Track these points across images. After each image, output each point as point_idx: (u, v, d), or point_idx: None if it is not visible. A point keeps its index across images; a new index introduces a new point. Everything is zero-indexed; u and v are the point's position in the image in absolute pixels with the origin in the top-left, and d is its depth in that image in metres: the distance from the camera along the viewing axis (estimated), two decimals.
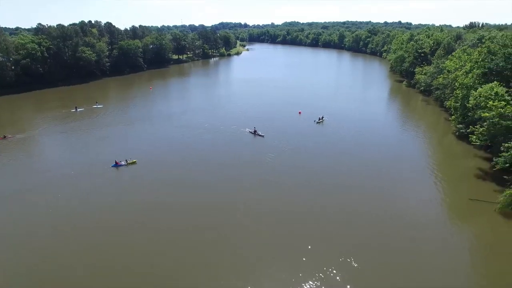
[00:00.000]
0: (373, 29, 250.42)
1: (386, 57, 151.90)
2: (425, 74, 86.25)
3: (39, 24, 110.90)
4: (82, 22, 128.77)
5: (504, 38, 48.57)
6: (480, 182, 38.93)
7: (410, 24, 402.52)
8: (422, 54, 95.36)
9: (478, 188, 37.53)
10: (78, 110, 72.85)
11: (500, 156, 35.07)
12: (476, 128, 41.02)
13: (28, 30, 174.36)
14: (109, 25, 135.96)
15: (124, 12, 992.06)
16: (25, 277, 25.07)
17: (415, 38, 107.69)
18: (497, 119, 36.93)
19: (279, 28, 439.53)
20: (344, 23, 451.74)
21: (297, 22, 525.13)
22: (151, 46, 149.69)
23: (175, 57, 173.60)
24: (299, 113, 69.14)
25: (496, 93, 38.28)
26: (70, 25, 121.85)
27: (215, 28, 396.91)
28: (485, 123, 39.65)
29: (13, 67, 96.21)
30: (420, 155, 49.28)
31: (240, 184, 39.07)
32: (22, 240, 29.29)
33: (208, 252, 27.41)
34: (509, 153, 33.30)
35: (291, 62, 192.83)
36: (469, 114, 45.34)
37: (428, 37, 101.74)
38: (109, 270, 25.71)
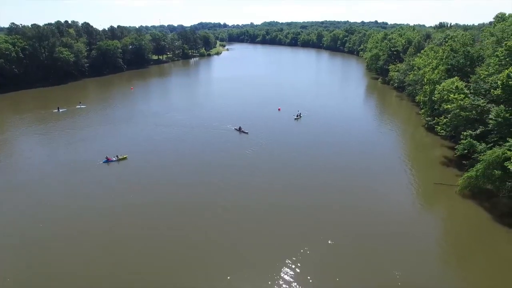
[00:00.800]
0: (350, 28, 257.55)
1: (362, 56, 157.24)
2: (398, 71, 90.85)
3: (12, 23, 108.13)
4: (58, 22, 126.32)
5: (464, 38, 52.74)
6: (445, 168, 42.54)
7: (386, 23, 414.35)
8: (395, 52, 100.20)
9: (442, 173, 41.05)
10: (61, 110, 72.22)
11: (460, 144, 38.66)
12: (441, 119, 44.66)
13: None
14: (86, 25, 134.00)
15: (100, 13, 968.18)
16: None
17: (389, 37, 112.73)
18: (458, 110, 40.54)
19: (259, 28, 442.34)
20: (322, 22, 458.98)
21: (276, 22, 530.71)
22: (131, 46, 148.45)
23: (155, 57, 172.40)
24: (279, 109, 71.54)
25: (457, 87, 41.92)
26: (45, 25, 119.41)
27: (194, 28, 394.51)
28: (448, 115, 43.35)
29: None
30: (393, 146, 52.81)
31: (222, 177, 40.89)
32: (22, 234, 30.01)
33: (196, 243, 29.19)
34: (466, 140, 36.84)
35: (271, 61, 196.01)
36: (435, 107, 49.09)
37: (401, 36, 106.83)
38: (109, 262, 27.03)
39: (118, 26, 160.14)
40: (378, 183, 39.43)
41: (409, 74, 76.51)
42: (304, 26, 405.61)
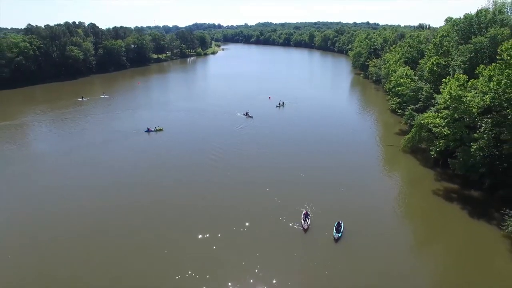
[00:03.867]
0: (340, 29, 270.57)
1: (350, 55, 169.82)
2: (375, 66, 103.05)
3: (29, 24, 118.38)
4: (67, 23, 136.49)
5: (419, 37, 65.01)
6: (397, 136, 54.41)
7: (378, 24, 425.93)
8: (374, 50, 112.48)
9: (395, 139, 52.89)
10: (84, 99, 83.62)
11: (404, 116, 50.55)
12: (395, 99, 56.63)
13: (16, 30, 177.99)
14: (93, 25, 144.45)
15: (95, 13, 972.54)
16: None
17: (369, 36, 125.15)
18: (407, 91, 52.43)
19: (253, 29, 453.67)
20: (315, 23, 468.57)
21: (270, 22, 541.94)
22: (133, 46, 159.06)
23: (154, 56, 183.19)
24: (269, 98, 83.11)
25: (407, 74, 53.81)
26: (55, 25, 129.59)
27: (189, 28, 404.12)
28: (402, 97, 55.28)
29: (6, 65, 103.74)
30: (364, 124, 64.92)
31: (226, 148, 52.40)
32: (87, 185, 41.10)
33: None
34: (408, 112, 48.75)
35: (264, 59, 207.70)
36: (393, 91, 61.09)
37: (379, 35, 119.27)
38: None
39: (121, 27, 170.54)
40: (349, 149, 50.86)
41: (382, 68, 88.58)
42: (297, 27, 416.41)
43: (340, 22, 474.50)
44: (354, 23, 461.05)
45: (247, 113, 69.09)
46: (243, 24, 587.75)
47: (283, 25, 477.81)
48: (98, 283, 24.32)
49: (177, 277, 24.59)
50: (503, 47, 29.60)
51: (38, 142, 55.61)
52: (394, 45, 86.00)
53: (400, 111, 58.19)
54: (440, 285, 24.75)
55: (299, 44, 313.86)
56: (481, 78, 32.00)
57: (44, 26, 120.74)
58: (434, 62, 44.61)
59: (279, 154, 48.15)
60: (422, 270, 25.86)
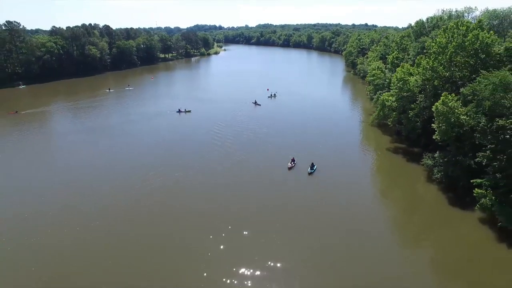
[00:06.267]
0: (336, 30, 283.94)
1: None
2: (362, 63, 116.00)
3: (53, 26, 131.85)
4: (84, 25, 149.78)
5: (394, 36, 78.09)
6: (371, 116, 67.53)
7: (375, 26, 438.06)
8: (361, 49, 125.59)
9: (369, 118, 65.92)
10: (111, 90, 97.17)
11: (374, 99, 63.62)
12: (370, 87, 69.65)
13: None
14: (107, 27, 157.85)
15: (95, 13, 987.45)
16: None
17: (359, 37, 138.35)
18: (377, 81, 65.33)
19: (253, 30, 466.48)
20: (314, 25, 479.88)
21: (270, 24, 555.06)
22: (142, 45, 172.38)
23: (162, 56, 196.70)
24: (267, 89, 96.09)
25: (378, 67, 66.78)
26: (75, 27, 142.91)
27: (190, 30, 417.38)
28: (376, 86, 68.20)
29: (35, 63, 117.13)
30: (349, 110, 78.56)
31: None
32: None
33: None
34: (376, 96, 61.77)
35: (264, 59, 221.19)
36: (368, 81, 74.12)
37: (368, 36, 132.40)
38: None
39: (131, 28, 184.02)
40: (333, 125, 64.60)
41: (365, 64, 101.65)
42: (296, 28, 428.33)
43: (339, 23, 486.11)
44: (353, 24, 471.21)
45: (255, 101, 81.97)
46: (244, 25, 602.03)
47: (283, 26, 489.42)
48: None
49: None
50: (427, 44, 42.49)
51: (95, 119, 70.42)
52: (375, 45, 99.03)
53: (374, 97, 71.08)
54: (376, 197, 37.76)
55: (298, 45, 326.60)
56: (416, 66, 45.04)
57: (66, 28, 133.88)
58: (394, 56, 57.68)
59: (281, 127, 61.89)
60: (368, 193, 38.83)
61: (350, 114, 73.99)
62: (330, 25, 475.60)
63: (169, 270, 25.63)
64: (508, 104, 27.97)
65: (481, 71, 33.11)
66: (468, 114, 33.43)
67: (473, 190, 30.44)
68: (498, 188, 29.15)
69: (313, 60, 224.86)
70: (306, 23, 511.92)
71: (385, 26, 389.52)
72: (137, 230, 30.72)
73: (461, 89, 36.25)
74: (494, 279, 24.72)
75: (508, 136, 26.94)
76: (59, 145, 55.12)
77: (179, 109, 72.56)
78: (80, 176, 41.61)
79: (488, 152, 28.78)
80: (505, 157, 27.24)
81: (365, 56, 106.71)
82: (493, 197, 28.87)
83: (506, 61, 37.63)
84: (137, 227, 31.19)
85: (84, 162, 46.41)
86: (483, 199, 29.54)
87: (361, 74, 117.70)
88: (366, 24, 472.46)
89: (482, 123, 29.72)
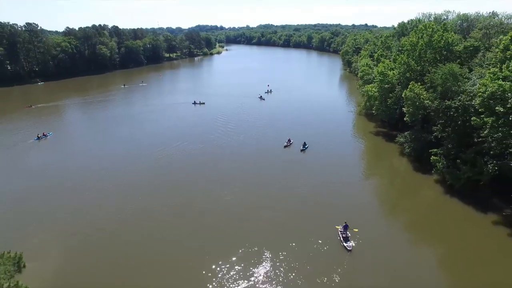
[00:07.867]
0: (335, 31, 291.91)
1: None
2: (356, 62, 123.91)
3: (67, 27, 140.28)
4: (94, 26, 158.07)
5: (383, 37, 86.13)
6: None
7: (376, 26, 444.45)
8: (356, 49, 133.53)
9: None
10: (125, 86, 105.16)
11: (362, 92, 71.60)
12: (360, 81, 77.63)
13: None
14: (116, 27, 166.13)
15: (96, 14, 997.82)
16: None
17: (355, 37, 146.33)
18: (366, 76, 73.26)
19: (254, 30, 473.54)
20: (315, 25, 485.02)
21: (271, 24, 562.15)
22: (149, 45, 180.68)
23: (166, 55, 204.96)
24: (268, 85, 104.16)
25: (367, 64, 74.75)
26: (86, 27, 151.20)
27: (192, 30, 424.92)
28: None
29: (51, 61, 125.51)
30: (342, 103, 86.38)
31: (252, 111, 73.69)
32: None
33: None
34: (365, 89, 69.66)
35: (266, 58, 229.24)
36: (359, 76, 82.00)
37: (363, 37, 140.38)
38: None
39: (138, 28, 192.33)
40: (327, 115, 72.66)
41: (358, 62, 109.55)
42: (297, 28, 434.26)
43: (339, 24, 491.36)
44: (353, 25, 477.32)
45: (261, 96, 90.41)
46: (245, 26, 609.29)
47: (283, 27, 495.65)
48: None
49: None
50: (401, 42, 50.45)
51: (114, 109, 79.78)
52: (368, 44, 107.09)
53: (363, 90, 79.03)
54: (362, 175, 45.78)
55: (298, 45, 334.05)
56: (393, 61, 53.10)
57: (78, 28, 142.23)
58: (379, 54, 65.71)
59: (281, 118, 70.12)
60: (352, 165, 46.78)
61: (344, 106, 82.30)
62: (331, 25, 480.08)
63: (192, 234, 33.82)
64: (455, 89, 35.98)
65: (439, 64, 41.13)
66: (429, 98, 41.42)
67: (430, 158, 38.43)
68: (449, 156, 37.12)
69: (312, 59, 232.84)
70: (307, 23, 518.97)
71: (384, 26, 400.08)
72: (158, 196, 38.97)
73: (424, 78, 44.30)
74: (445, 223, 32.46)
75: (452, 113, 34.92)
76: (104, 127, 66.10)
77: (194, 101, 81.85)
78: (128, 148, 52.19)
79: (439, 126, 36.78)
80: (450, 129, 35.23)
81: (359, 55, 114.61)
82: (445, 162, 36.84)
83: (466, 57, 45.75)
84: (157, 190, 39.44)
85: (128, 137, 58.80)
86: (437, 164, 37.51)
87: (356, 72, 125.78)
88: (366, 25, 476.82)
89: (435, 104, 37.69)
